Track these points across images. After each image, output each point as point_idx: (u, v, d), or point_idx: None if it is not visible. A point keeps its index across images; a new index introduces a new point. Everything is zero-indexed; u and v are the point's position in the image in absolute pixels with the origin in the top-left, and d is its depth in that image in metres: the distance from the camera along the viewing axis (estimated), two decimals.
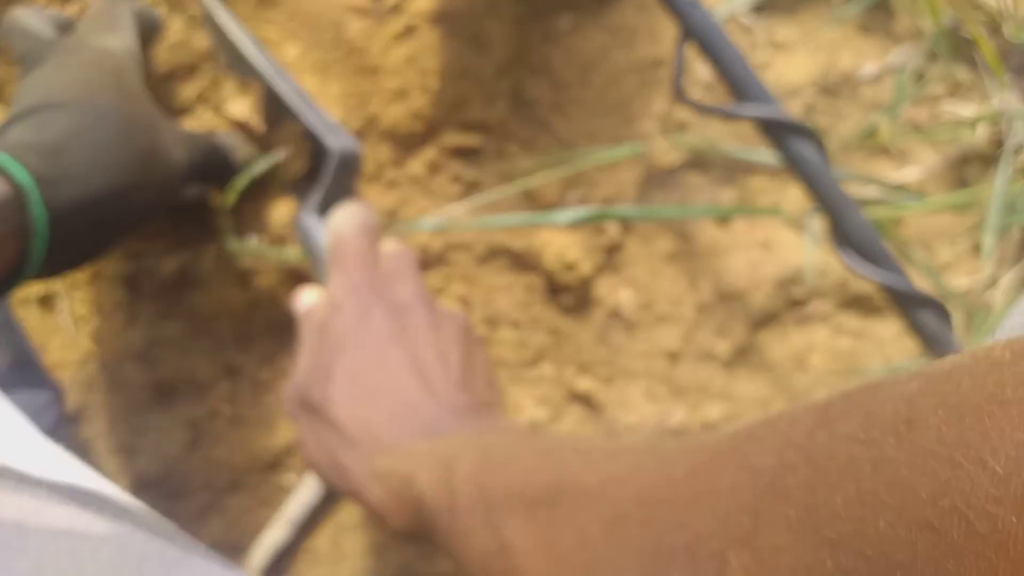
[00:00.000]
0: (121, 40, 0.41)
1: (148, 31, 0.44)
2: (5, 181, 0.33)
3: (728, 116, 0.44)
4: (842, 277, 0.52)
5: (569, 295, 0.51)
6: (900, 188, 0.52)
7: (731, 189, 0.52)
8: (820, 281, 0.52)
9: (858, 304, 0.52)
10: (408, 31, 0.50)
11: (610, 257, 0.51)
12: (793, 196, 0.52)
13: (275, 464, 0.51)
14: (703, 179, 0.52)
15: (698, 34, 0.43)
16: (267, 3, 0.52)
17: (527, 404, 0.50)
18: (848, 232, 0.46)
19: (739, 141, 0.52)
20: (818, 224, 0.50)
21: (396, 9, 0.50)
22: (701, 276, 0.51)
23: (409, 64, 0.50)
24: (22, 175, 0.33)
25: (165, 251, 0.51)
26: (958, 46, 0.53)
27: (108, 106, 0.37)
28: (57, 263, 0.36)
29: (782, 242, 0.52)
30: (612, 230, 0.51)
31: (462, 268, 0.50)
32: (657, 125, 0.52)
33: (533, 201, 0.51)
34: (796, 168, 0.45)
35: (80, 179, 0.35)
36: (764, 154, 0.51)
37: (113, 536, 0.24)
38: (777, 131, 0.44)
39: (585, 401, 0.51)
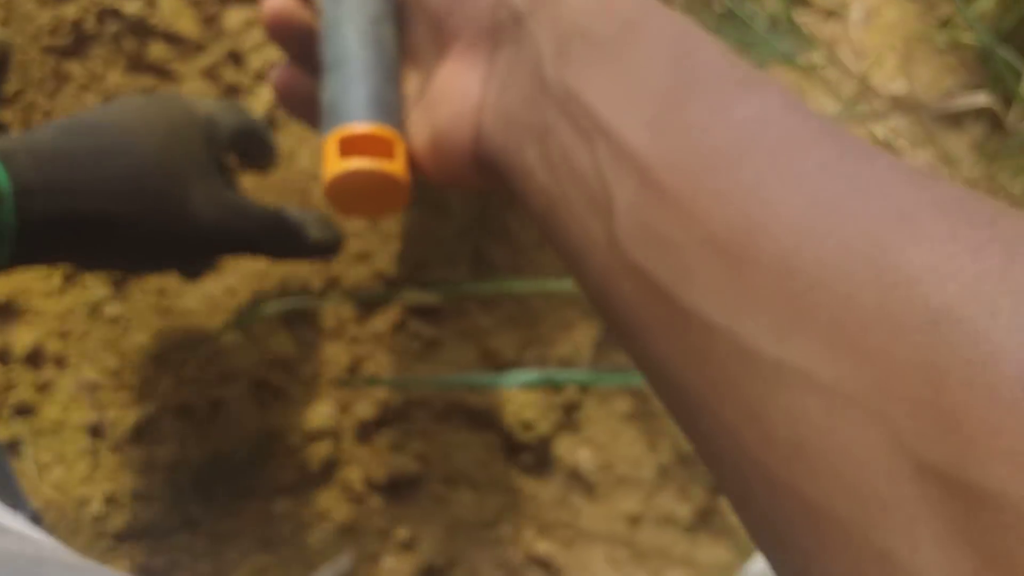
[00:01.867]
0: (206, 106, 0.39)
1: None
2: None
3: None
4: None
5: (528, 454, 0.52)
6: None
7: None
8: None
9: None
10: None
11: (569, 416, 0.53)
12: None
13: None
14: None
15: None
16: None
17: (484, 567, 0.50)
18: None
19: None
20: None
21: None
22: (660, 436, 0.53)
23: (371, 229, 0.52)
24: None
25: (128, 403, 0.52)
26: None
27: (132, 131, 0.34)
28: (26, 263, 0.34)
29: None
30: (570, 389, 0.52)
31: (421, 424, 0.52)
32: None
33: (491, 359, 0.52)
34: None
35: (64, 192, 0.32)
36: None
37: None
38: None
39: (544, 566, 0.51)
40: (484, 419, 0.52)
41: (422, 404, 0.52)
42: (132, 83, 0.52)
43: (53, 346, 0.52)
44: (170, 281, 0.53)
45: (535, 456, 0.52)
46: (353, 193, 0.28)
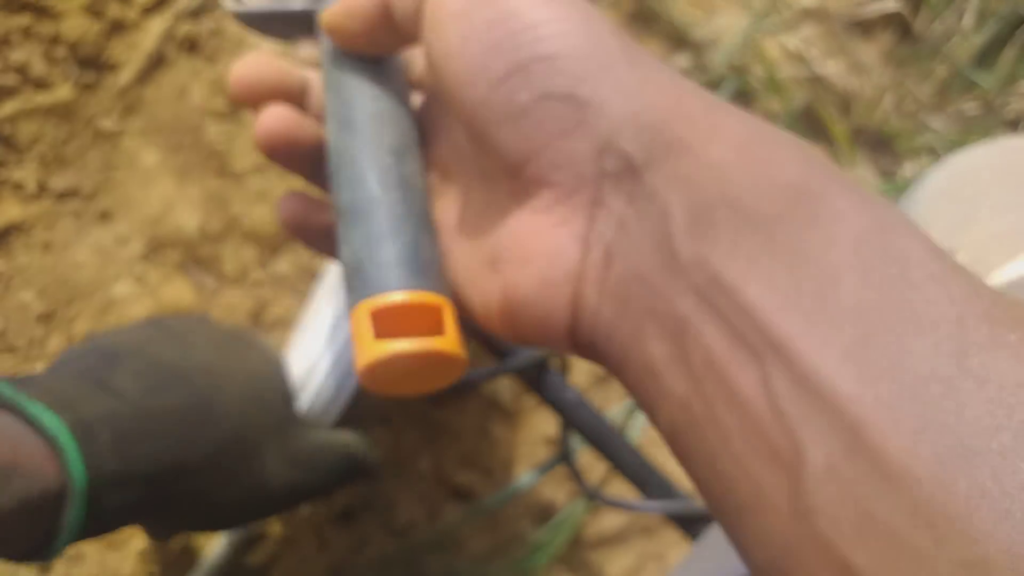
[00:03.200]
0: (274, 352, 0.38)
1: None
2: (44, 442, 0.28)
3: (637, 510, 0.45)
4: None
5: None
6: None
7: None
8: None
9: None
10: None
11: None
12: None
13: None
14: None
15: (587, 432, 0.44)
16: (130, 111, 0.51)
17: (403, 503, 0.48)
18: None
19: None
20: None
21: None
22: None
23: (270, 164, 0.49)
24: (68, 443, 0.28)
25: (15, 367, 0.49)
26: (812, 125, 0.55)
27: (216, 389, 0.33)
28: (96, 529, 0.31)
29: None
30: None
31: None
32: None
33: None
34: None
35: (141, 475, 0.30)
36: None
37: None
38: (688, 524, 0.44)
39: (466, 495, 0.49)
40: None
41: None
42: (6, 23, 0.49)
43: None
44: (56, 233, 0.50)
45: (452, 388, 0.50)
46: (395, 375, 0.22)
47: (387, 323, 0.22)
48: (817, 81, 0.53)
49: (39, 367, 0.49)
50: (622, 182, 0.19)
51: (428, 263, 0.23)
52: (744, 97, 0.55)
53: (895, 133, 0.54)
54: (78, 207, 0.50)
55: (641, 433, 0.50)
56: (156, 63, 0.51)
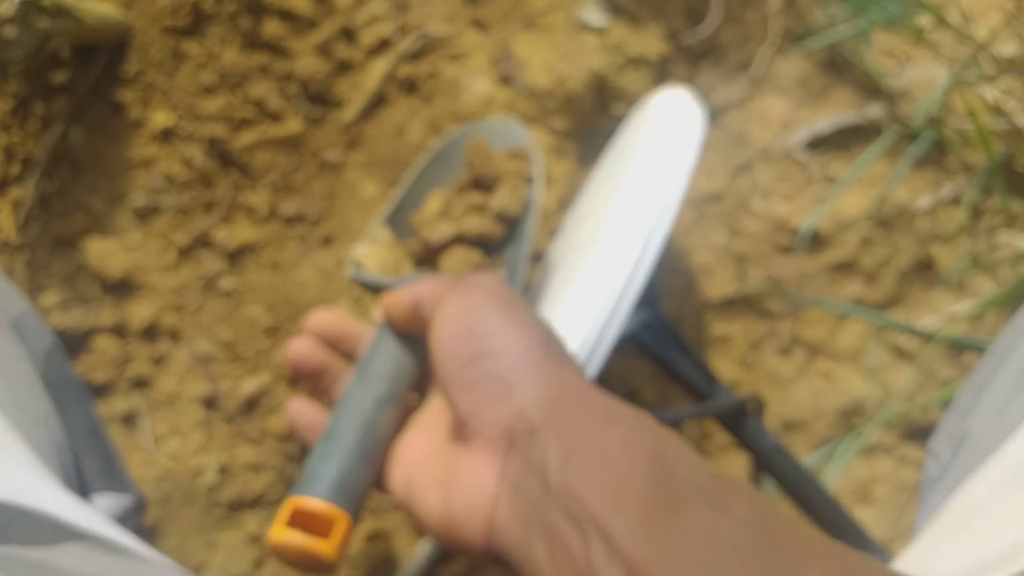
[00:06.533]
0: None
1: None
2: None
3: None
4: (905, 408, 0.53)
5: None
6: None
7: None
8: (882, 412, 0.53)
9: (923, 435, 0.53)
10: None
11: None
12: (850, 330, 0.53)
13: None
14: None
15: (782, 478, 0.45)
16: (352, 145, 0.55)
17: None
18: None
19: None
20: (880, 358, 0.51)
21: None
22: None
23: None
24: None
25: (242, 375, 0.53)
26: (1011, 179, 0.55)
27: None
28: None
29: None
30: None
31: None
32: None
33: None
34: None
35: None
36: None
37: None
38: None
39: None
40: None
41: None
42: (247, 61, 0.54)
43: (168, 320, 0.54)
44: (283, 254, 0.54)
45: None
46: (290, 553, 0.32)
47: (299, 520, 0.32)
48: (1017, 134, 0.53)
49: (264, 376, 0.53)
50: (525, 438, 0.27)
51: (350, 488, 0.32)
52: (940, 149, 0.55)
53: None
54: (304, 231, 0.55)
55: (836, 483, 0.51)
56: (377, 101, 0.55)
